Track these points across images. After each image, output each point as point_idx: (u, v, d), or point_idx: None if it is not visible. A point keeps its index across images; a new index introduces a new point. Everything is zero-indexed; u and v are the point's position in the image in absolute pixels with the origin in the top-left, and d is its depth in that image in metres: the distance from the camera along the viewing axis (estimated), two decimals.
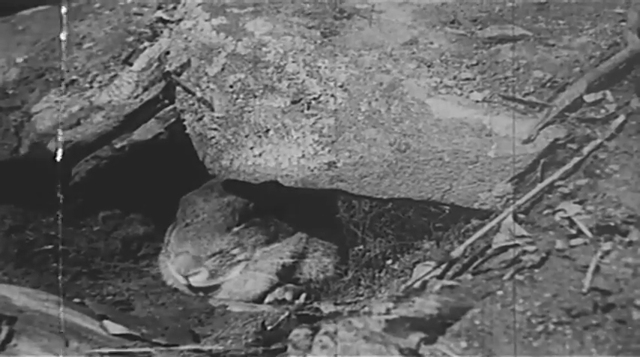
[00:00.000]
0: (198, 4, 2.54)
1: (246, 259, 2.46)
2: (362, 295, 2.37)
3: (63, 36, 2.61)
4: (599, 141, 2.14)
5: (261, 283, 2.48)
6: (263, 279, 2.48)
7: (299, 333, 1.82)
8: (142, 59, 2.65)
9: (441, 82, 2.29)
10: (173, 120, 2.60)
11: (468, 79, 2.29)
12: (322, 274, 2.55)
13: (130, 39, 2.71)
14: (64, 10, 2.53)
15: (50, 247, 2.54)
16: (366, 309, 1.88)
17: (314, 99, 2.34)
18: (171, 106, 2.60)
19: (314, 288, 2.53)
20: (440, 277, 2.06)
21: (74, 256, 2.57)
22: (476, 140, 2.21)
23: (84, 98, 2.63)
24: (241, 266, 2.45)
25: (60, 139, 2.54)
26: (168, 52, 2.55)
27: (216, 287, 2.46)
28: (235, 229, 2.46)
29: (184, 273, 2.41)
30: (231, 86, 2.41)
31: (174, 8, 2.67)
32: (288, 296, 2.46)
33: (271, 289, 2.49)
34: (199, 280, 2.42)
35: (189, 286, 2.45)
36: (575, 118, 2.19)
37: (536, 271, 1.92)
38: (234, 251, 2.45)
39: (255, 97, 2.39)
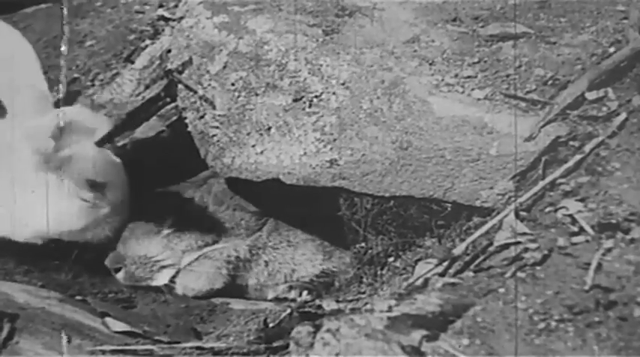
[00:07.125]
0: (200, 2, 2.53)
1: (173, 264, 2.46)
2: (364, 293, 2.36)
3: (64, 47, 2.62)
4: (600, 139, 2.13)
5: (212, 280, 2.49)
6: (212, 274, 2.48)
7: (301, 330, 1.82)
8: (143, 57, 2.65)
9: (442, 79, 2.29)
10: (175, 118, 2.60)
11: (469, 76, 2.29)
12: (324, 272, 2.55)
13: (132, 37, 2.72)
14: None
15: (53, 244, 2.54)
16: (368, 306, 1.88)
17: (316, 97, 2.34)
18: (173, 104, 2.60)
19: (316, 285, 2.53)
20: (442, 274, 2.06)
21: (77, 253, 2.57)
22: (477, 138, 2.21)
23: (85, 96, 2.63)
24: (169, 271, 2.46)
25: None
26: (169, 50, 2.55)
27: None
28: (165, 231, 2.47)
29: (109, 266, 2.45)
30: (232, 84, 2.41)
31: (176, 6, 2.67)
32: (290, 294, 2.46)
33: (227, 284, 2.49)
34: (120, 277, 2.45)
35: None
36: (576, 116, 2.19)
37: (538, 268, 1.92)
38: (161, 256, 2.45)
39: (257, 95, 2.39)
